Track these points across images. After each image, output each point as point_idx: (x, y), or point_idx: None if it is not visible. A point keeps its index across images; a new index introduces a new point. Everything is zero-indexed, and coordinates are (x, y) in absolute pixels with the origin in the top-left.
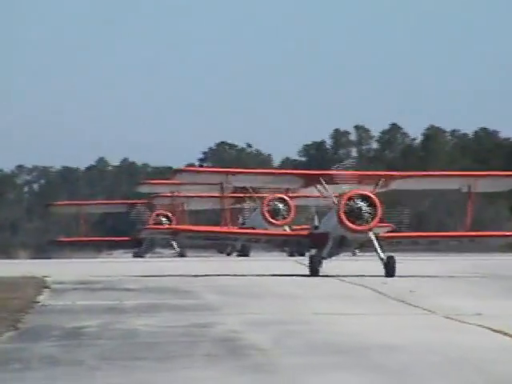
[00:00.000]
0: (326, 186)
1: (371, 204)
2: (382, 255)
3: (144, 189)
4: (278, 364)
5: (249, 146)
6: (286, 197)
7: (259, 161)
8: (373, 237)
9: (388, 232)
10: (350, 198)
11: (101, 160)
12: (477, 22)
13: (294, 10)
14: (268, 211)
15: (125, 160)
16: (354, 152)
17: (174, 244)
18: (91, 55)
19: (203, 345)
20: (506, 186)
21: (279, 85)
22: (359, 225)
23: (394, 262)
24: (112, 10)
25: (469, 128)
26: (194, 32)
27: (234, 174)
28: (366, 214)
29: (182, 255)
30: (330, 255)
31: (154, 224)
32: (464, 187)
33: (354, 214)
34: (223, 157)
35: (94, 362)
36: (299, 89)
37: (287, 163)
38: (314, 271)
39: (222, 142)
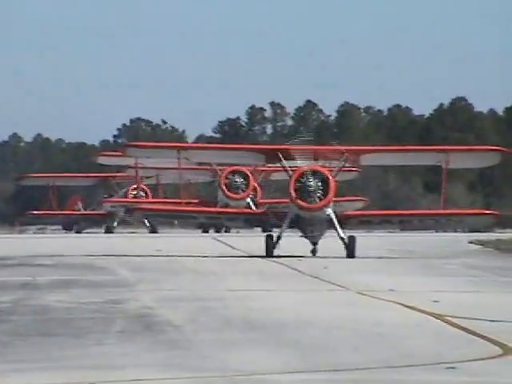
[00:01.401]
0: (285, 162)
1: (322, 180)
2: (342, 235)
3: (103, 160)
4: (193, 340)
5: (164, 122)
6: (245, 170)
7: (174, 137)
8: (332, 215)
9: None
10: (299, 175)
11: (14, 136)
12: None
13: None
14: (226, 185)
15: (38, 136)
16: (268, 128)
17: (145, 219)
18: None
19: (118, 321)
20: (485, 162)
21: (195, 61)
22: (309, 202)
23: (355, 243)
24: None
25: (383, 105)
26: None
27: (185, 148)
28: (317, 191)
29: (153, 231)
30: (312, 236)
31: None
32: (441, 162)
33: (304, 192)
34: (138, 133)
35: (7, 338)
36: (214, 65)
37: (202, 140)
38: (269, 252)
39: (138, 118)
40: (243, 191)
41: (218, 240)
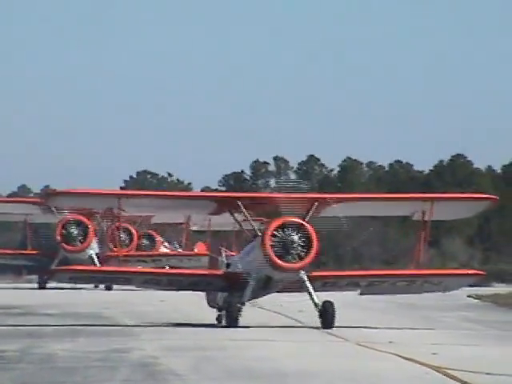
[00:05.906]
0: (246, 212)
1: (305, 235)
2: (317, 300)
3: None
4: None
5: (169, 175)
6: (82, 218)
7: (179, 189)
8: (305, 277)
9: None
10: (278, 227)
11: (22, 187)
12: (393, 54)
13: (214, 36)
14: (61, 235)
15: (46, 187)
16: (272, 182)
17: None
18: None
19: (122, 370)
20: (469, 212)
21: (199, 115)
22: (289, 261)
23: (334, 310)
24: None
25: (384, 160)
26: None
27: (127, 196)
28: (299, 248)
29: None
30: (250, 298)
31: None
32: (417, 214)
33: (284, 248)
34: (144, 185)
35: None
36: (220, 119)
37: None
38: (234, 320)
39: (144, 171)
40: (81, 242)
41: None
